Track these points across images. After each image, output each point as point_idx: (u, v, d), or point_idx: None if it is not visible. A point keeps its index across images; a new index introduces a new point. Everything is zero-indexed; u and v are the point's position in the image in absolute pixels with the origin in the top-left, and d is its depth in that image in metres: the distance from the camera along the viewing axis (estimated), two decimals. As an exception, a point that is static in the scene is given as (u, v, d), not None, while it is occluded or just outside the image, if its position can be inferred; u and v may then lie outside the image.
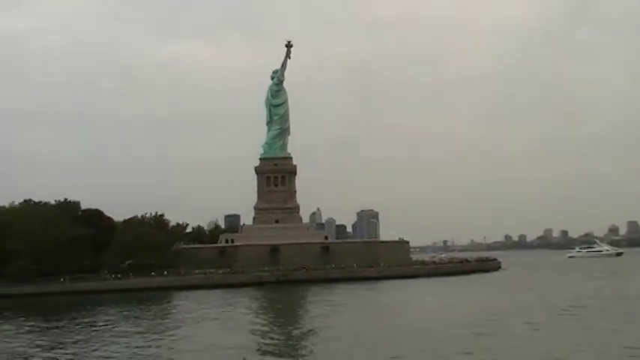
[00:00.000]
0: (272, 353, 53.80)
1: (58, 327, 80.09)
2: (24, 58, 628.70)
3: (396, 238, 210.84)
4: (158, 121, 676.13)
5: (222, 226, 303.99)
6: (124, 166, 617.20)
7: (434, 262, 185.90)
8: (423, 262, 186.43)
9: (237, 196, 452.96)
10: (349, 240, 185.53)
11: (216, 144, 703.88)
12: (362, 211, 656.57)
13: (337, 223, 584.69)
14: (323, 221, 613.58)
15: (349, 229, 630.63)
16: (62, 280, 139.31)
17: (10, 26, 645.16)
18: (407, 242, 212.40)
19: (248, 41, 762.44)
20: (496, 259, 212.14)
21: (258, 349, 55.73)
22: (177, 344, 61.38)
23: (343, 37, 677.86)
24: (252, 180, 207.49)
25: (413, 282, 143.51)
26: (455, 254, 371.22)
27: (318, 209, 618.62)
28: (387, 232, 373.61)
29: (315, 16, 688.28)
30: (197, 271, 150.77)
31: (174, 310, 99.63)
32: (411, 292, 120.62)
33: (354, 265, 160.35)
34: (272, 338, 63.01)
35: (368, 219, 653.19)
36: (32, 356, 58.61)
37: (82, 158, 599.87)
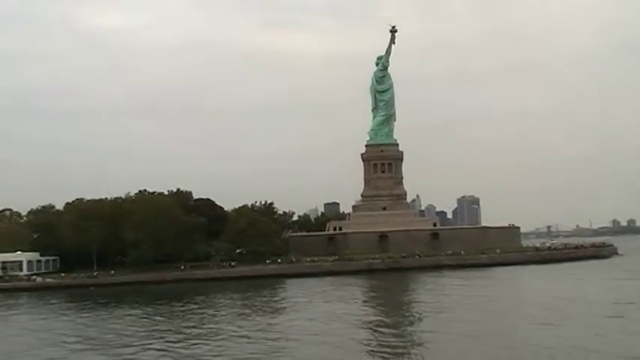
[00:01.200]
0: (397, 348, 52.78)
1: (183, 311, 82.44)
2: (131, 53, 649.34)
3: (499, 224, 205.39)
4: (258, 110, 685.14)
5: (320, 214, 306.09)
6: (225, 156, 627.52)
7: (548, 248, 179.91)
8: (536, 248, 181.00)
9: (336, 184, 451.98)
10: (459, 226, 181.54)
11: (313, 132, 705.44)
12: (462, 197, 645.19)
13: (437, 209, 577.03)
14: (423, 208, 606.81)
15: (449, 216, 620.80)
16: (182, 267, 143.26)
17: (118, 22, 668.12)
18: (517, 228, 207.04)
19: (346, 26, 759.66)
20: (612, 245, 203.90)
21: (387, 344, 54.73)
22: (298, 331, 61.74)
23: (443, 16, 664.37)
24: (352, 167, 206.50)
25: (526, 269, 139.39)
26: (560, 240, 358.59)
27: (418, 196, 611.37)
28: (487, 219, 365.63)
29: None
30: (308, 259, 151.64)
31: (291, 297, 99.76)
32: (533, 280, 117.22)
33: (462, 251, 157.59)
34: (401, 336, 61.91)
35: (469, 205, 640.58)
36: (161, 337, 60.43)
37: (188, 148, 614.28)
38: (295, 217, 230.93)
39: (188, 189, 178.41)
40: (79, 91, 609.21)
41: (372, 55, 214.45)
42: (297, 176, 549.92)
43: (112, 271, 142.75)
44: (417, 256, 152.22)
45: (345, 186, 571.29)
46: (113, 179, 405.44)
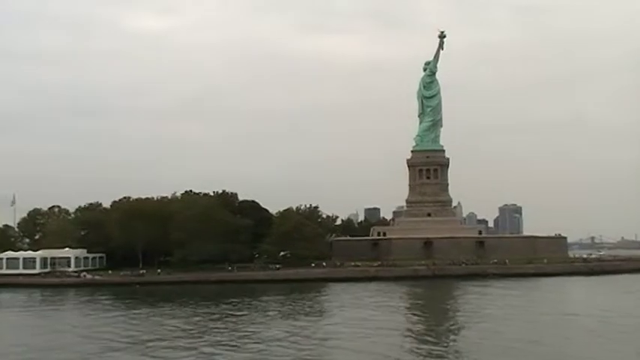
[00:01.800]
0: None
1: (230, 312, 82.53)
2: (177, 55, 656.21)
3: (542, 234, 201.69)
4: (298, 113, 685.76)
5: (363, 219, 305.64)
6: (266, 159, 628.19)
7: (598, 260, 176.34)
8: (584, 259, 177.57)
9: (377, 189, 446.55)
10: (505, 235, 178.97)
11: (353, 136, 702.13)
12: (504, 205, 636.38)
13: (478, 217, 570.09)
14: (464, 216, 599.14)
15: (491, 224, 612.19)
16: (229, 268, 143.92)
17: (163, 24, 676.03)
18: (564, 238, 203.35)
19: (390, 32, 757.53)
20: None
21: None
22: (342, 336, 61.16)
23: (489, 22, 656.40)
24: (393, 173, 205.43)
25: (574, 280, 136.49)
26: (605, 251, 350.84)
27: (459, 203, 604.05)
28: (529, 228, 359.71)
29: (460, 2, 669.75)
30: (353, 264, 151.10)
31: (336, 302, 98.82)
32: (582, 291, 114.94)
33: (507, 260, 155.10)
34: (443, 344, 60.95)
35: (510, 214, 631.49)
36: (210, 334, 60.46)
37: (231, 150, 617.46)
38: (338, 222, 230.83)
39: (233, 190, 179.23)
40: (128, 91, 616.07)
41: (414, 61, 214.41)
42: (337, 180, 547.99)
43: (159, 270, 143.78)
44: (464, 264, 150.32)
45: (386, 191, 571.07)
46: (156, 179, 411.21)
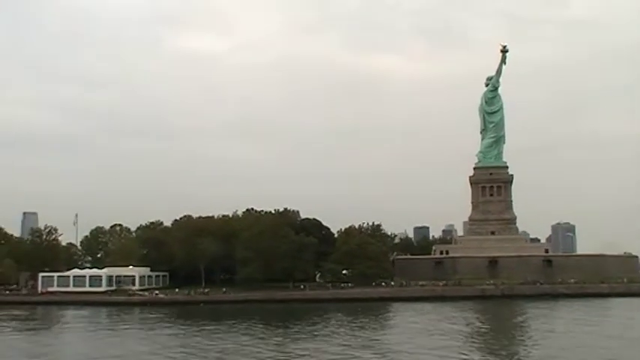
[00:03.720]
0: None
1: (297, 332, 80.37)
2: (226, 75, 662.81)
3: (619, 252, 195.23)
4: (344, 131, 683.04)
5: (421, 238, 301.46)
6: (317, 177, 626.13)
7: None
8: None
9: (425, 208, 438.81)
10: (574, 253, 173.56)
11: (400, 154, 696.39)
12: (557, 224, 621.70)
13: (531, 236, 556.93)
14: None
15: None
16: (302, 287, 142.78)
17: (212, 45, 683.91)
18: (635, 257, 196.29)
19: (434, 48, 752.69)
20: None
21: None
22: None
23: (536, 38, 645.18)
24: (443, 191, 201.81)
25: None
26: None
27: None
28: (583, 247, 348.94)
29: (508, 18, 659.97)
30: (421, 283, 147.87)
31: (406, 322, 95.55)
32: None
33: (572, 280, 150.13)
34: None
35: (563, 232, 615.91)
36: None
37: (277, 168, 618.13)
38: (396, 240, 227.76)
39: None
40: (173, 112, 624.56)
41: (465, 78, 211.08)
42: (384, 199, 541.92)
43: (224, 289, 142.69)
44: (539, 283, 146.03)
45: (434, 210, 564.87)
46: (212, 197, 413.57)
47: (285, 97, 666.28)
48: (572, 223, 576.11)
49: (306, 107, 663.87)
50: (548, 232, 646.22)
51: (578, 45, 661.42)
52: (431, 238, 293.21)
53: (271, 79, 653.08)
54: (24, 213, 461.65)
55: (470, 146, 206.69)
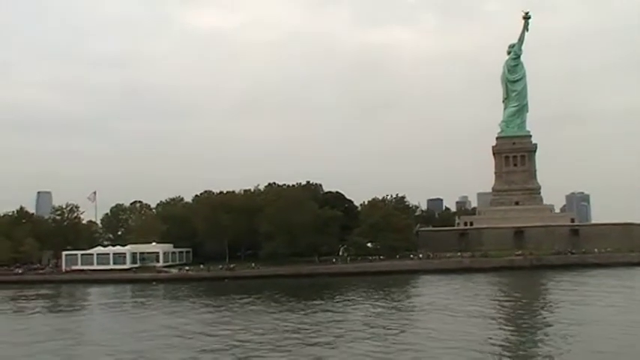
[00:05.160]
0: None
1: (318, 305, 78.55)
2: (236, 52, 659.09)
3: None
4: (358, 107, 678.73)
5: (444, 209, 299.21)
6: (333, 152, 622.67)
7: None
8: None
9: (438, 180, 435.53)
10: (601, 222, 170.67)
11: (412, 129, 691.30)
12: (572, 193, 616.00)
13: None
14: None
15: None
16: (334, 260, 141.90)
17: (222, 22, 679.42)
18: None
19: (445, 23, 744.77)
20: None
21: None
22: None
23: (551, 10, 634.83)
24: (452, 163, 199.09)
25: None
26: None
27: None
28: (598, 217, 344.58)
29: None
30: (449, 254, 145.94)
31: (434, 295, 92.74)
32: None
33: (602, 249, 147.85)
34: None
35: (578, 202, 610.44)
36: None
37: (286, 146, 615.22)
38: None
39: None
40: (186, 91, 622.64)
41: (477, 50, 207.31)
42: (395, 173, 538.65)
43: (253, 264, 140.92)
44: (570, 253, 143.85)
45: (448, 181, 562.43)
46: (232, 175, 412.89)
47: (295, 73, 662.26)
48: (586, 192, 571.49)
49: (318, 84, 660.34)
50: (563, 202, 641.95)
51: (596, 13, 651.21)
52: (444, 209, 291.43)
53: (281, 56, 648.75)
54: (38, 192, 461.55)
55: (483, 118, 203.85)
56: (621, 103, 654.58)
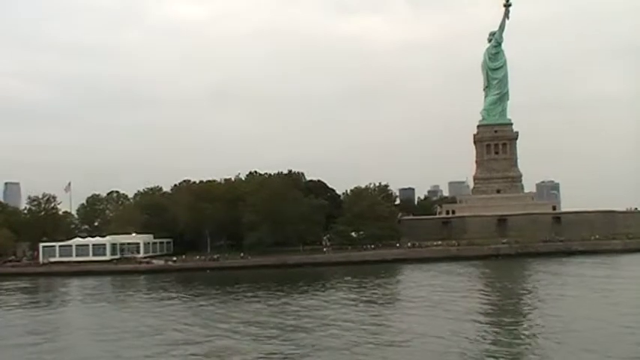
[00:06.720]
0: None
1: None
2: (208, 43, 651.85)
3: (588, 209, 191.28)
4: (341, 95, 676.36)
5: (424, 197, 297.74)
6: (301, 143, 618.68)
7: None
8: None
9: (412, 171, 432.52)
10: (583, 210, 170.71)
11: (389, 118, 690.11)
12: (542, 182, 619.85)
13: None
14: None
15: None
16: (324, 250, 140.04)
17: (194, 13, 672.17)
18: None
19: (416, 11, 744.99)
20: None
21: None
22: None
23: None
24: (427, 153, 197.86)
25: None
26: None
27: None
28: (568, 205, 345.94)
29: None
30: (435, 243, 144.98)
31: (421, 284, 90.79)
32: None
33: (583, 236, 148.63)
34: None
35: (548, 191, 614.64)
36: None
37: (263, 135, 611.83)
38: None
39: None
40: (157, 81, 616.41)
41: (452, 40, 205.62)
42: (375, 164, 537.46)
43: (242, 254, 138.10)
44: (559, 241, 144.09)
45: (419, 172, 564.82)
46: (206, 165, 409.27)
47: (269, 63, 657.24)
48: (556, 181, 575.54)
49: (291, 74, 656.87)
50: (534, 190, 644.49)
51: (566, 4, 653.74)
52: (416, 199, 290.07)
53: (254, 47, 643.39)
54: (5, 183, 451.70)
55: (456, 108, 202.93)
56: (595, 92, 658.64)
